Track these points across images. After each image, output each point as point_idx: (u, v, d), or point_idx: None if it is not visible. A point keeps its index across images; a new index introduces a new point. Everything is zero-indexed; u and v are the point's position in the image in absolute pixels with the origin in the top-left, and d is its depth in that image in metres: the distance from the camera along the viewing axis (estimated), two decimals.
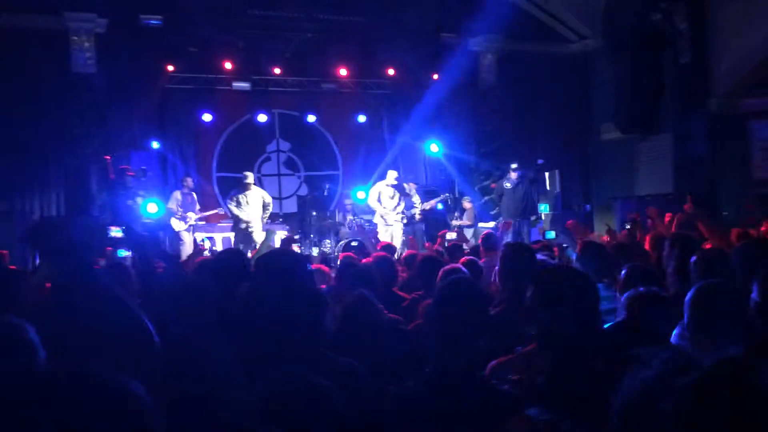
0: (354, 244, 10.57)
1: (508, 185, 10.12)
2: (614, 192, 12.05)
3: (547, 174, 12.11)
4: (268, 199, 10.32)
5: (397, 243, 9.75)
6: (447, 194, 11.87)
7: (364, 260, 5.09)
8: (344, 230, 11.57)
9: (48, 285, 3.72)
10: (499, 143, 12.48)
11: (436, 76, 12.28)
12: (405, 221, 10.43)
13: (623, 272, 3.38)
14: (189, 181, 10.60)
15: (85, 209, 9.65)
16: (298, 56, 11.72)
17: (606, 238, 6.73)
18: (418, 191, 11.14)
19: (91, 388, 0.96)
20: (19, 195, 9.86)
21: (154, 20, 10.33)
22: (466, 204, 12.11)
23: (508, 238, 9.41)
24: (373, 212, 10.91)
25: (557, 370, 1.85)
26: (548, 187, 12.38)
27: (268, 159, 13.03)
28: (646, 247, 4.99)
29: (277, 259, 2.77)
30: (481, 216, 12.02)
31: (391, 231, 10.34)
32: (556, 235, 7.49)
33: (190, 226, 10.31)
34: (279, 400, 1.62)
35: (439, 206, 11.46)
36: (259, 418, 1.51)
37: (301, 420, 1.61)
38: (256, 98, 12.20)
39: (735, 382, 0.93)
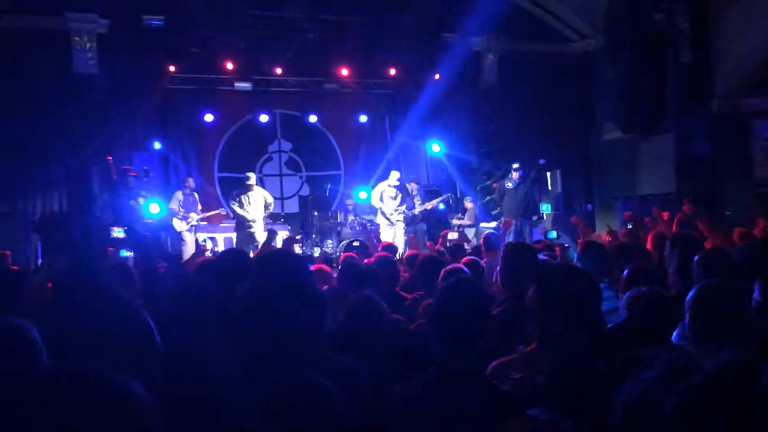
0: (356, 244, 10.58)
1: (509, 185, 10.12)
2: (616, 192, 12.04)
3: (548, 174, 12.10)
4: (270, 200, 10.33)
5: (399, 243, 9.75)
6: (449, 194, 11.86)
7: (365, 260, 5.09)
8: (346, 230, 11.57)
9: (49, 285, 3.73)
10: (500, 143, 12.48)
11: (437, 76, 12.27)
12: (406, 221, 10.43)
13: (625, 272, 3.38)
14: (191, 182, 10.61)
15: (87, 210, 9.66)
16: (300, 56, 11.72)
17: (607, 238, 6.72)
18: (419, 191, 11.14)
19: (91, 388, 0.97)
20: (21, 196, 9.88)
21: (156, 20, 10.34)
22: (468, 204, 12.11)
23: (510, 237, 9.41)
24: (375, 212, 10.91)
25: (558, 369, 1.85)
26: (550, 187, 12.37)
27: (269, 159, 13.03)
28: (648, 246, 4.98)
29: (277, 259, 2.77)
30: (481, 216, 12.02)
31: (393, 231, 10.34)
32: (558, 235, 7.49)
33: (191, 226, 10.32)
34: (279, 400, 1.62)
35: (441, 206, 11.46)
36: (259, 418, 1.51)
37: (301, 420, 1.61)
38: (258, 98, 12.20)
39: (737, 385, 0.92)
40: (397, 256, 7.06)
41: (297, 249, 8.37)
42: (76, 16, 9.99)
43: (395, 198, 10.35)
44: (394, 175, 10.41)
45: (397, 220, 10.39)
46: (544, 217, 11.74)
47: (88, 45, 10.05)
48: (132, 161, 10.86)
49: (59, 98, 9.84)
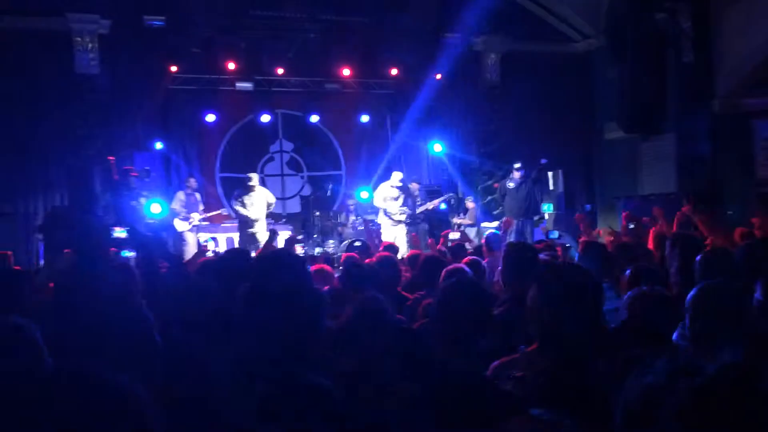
0: (357, 244, 10.58)
1: (511, 185, 10.11)
2: (617, 191, 12.04)
3: (550, 174, 12.09)
4: (272, 200, 10.33)
5: (401, 243, 9.74)
6: (450, 194, 11.86)
7: (366, 260, 5.09)
8: (347, 230, 11.57)
9: (51, 285, 3.74)
10: (501, 143, 12.47)
11: (439, 76, 12.26)
12: (408, 221, 10.43)
13: (628, 272, 3.38)
14: (192, 182, 10.61)
15: (89, 210, 9.68)
16: (301, 56, 11.72)
17: (609, 237, 6.72)
18: (421, 191, 11.13)
19: (92, 388, 0.97)
20: (23, 196, 9.90)
21: (157, 21, 10.35)
22: (469, 204, 12.11)
23: (511, 237, 9.41)
24: (376, 212, 10.91)
25: (559, 369, 1.85)
26: (551, 187, 12.36)
27: (271, 159, 13.04)
28: (650, 246, 4.98)
29: (275, 260, 2.77)
30: (482, 216, 12.02)
31: (395, 231, 10.33)
32: (559, 235, 7.48)
33: (193, 226, 10.32)
34: (279, 400, 1.62)
35: (443, 206, 11.45)
36: (259, 417, 1.52)
37: (300, 420, 1.61)
38: (259, 98, 12.20)
39: (738, 386, 0.92)
40: (399, 256, 7.05)
41: (298, 249, 8.38)
42: (78, 17, 10.00)
43: (397, 199, 10.34)
44: (396, 176, 10.40)
45: (400, 221, 10.38)
46: (546, 217, 11.74)
47: (89, 45, 10.06)
48: (133, 161, 10.87)
49: (61, 99, 9.85)
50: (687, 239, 3.70)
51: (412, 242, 9.64)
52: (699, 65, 10.38)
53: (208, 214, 10.72)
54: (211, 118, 11.92)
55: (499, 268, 3.57)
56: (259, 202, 9.93)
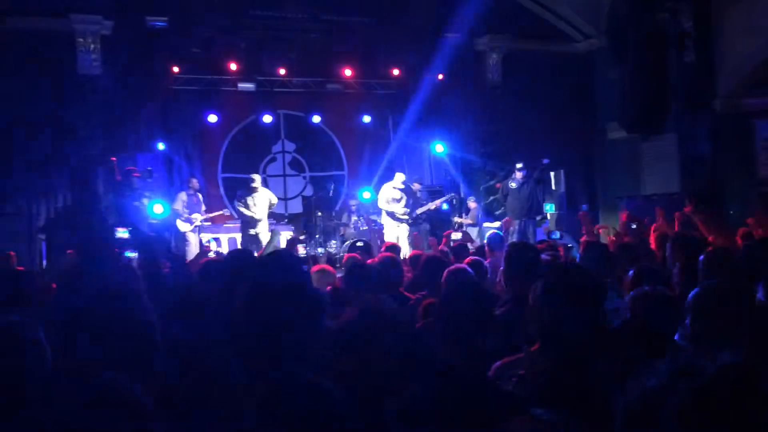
0: (359, 244, 10.58)
1: (513, 185, 10.11)
2: (620, 191, 12.03)
3: (552, 174, 12.09)
4: (275, 200, 10.34)
5: (404, 243, 9.74)
6: (452, 194, 11.86)
7: (368, 261, 5.10)
8: (349, 230, 11.58)
9: (54, 285, 3.75)
10: (504, 143, 12.47)
11: (441, 76, 12.27)
12: (410, 221, 10.43)
13: (631, 272, 3.39)
14: (195, 182, 10.63)
15: (93, 210, 9.70)
16: (303, 57, 11.73)
17: (612, 237, 6.73)
18: (423, 191, 11.13)
19: (92, 388, 0.98)
20: (26, 197, 9.92)
21: (159, 22, 10.37)
22: (471, 204, 12.11)
23: (513, 237, 9.41)
24: (378, 212, 10.91)
25: (561, 369, 1.85)
26: (553, 187, 12.36)
27: (273, 160, 13.04)
28: (651, 246, 4.98)
29: (274, 260, 2.78)
30: (484, 216, 12.03)
31: (397, 232, 10.34)
32: (561, 235, 7.49)
33: (195, 227, 10.33)
34: (279, 400, 1.63)
35: (445, 206, 11.45)
36: (259, 418, 1.52)
37: (300, 420, 1.61)
38: (261, 99, 12.21)
39: (738, 387, 0.93)
40: (401, 256, 7.06)
41: (301, 249, 8.38)
42: (80, 18, 10.03)
43: (399, 200, 10.32)
44: (399, 178, 10.37)
45: (402, 221, 10.38)
46: (548, 217, 11.73)
47: (92, 46, 10.09)
48: (136, 162, 10.88)
49: (63, 99, 9.88)
50: (689, 240, 3.71)
51: (413, 242, 9.65)
52: (700, 65, 10.38)
53: (210, 215, 10.73)
54: (213, 118, 11.93)
55: (501, 268, 3.57)
56: (261, 202, 9.94)
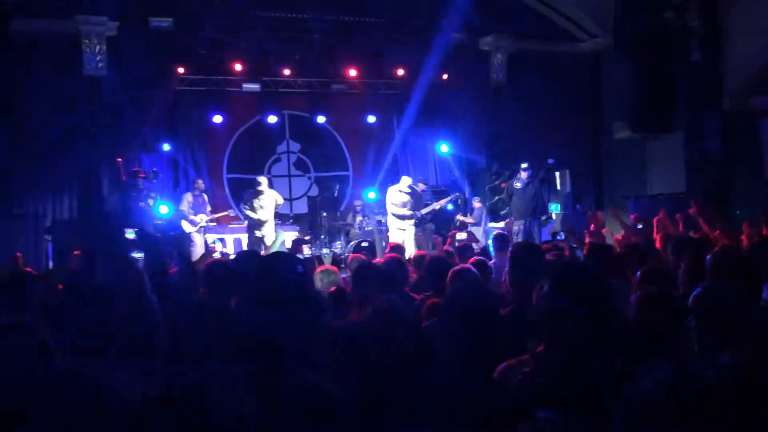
0: (364, 244, 10.59)
1: (518, 185, 10.08)
2: (626, 191, 11.99)
3: (557, 173, 12.06)
4: (281, 200, 10.34)
5: (409, 245, 9.73)
6: (457, 194, 11.85)
7: (374, 261, 5.10)
8: (354, 231, 11.58)
9: (60, 287, 3.76)
10: (509, 142, 12.45)
11: (445, 76, 12.27)
12: (415, 222, 10.42)
13: (638, 273, 3.38)
14: (200, 183, 10.65)
15: (97, 211, 9.73)
16: (308, 57, 11.74)
17: (619, 236, 6.71)
18: (427, 191, 11.12)
19: (87, 386, 0.98)
20: (32, 198, 9.96)
21: (164, 23, 10.40)
22: (476, 204, 12.10)
23: (518, 237, 9.40)
24: (383, 212, 10.91)
25: (565, 370, 1.85)
26: (559, 187, 12.34)
27: (278, 160, 13.07)
28: (657, 245, 4.97)
29: (272, 261, 2.77)
30: (488, 216, 12.02)
31: (403, 233, 10.32)
32: (565, 236, 7.47)
33: (200, 227, 10.36)
34: (279, 400, 1.63)
35: (450, 206, 11.44)
36: (259, 417, 1.52)
37: (302, 421, 1.61)
38: (266, 99, 12.24)
39: (738, 387, 0.92)
40: (405, 256, 7.05)
41: (306, 250, 8.38)
42: (86, 19, 10.07)
43: (406, 204, 10.28)
44: (405, 181, 10.30)
45: (409, 224, 10.35)
46: (553, 217, 11.71)
47: (97, 48, 10.12)
48: (141, 163, 10.92)
49: (69, 101, 9.92)
50: (690, 241, 3.70)
51: (417, 243, 9.64)
52: (707, 64, 10.32)
53: (216, 215, 10.76)
54: (218, 119, 11.97)
55: (506, 268, 3.56)
56: (268, 204, 9.93)
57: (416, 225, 10.16)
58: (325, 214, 11.72)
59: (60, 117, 9.84)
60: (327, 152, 13.15)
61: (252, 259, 3.62)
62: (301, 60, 11.73)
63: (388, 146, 13.02)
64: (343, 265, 9.24)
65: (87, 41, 10.10)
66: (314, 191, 13.03)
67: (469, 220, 11.79)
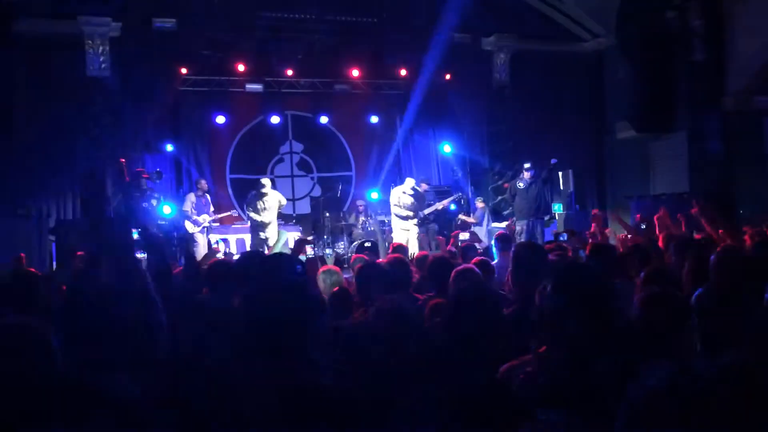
0: (367, 245, 10.59)
1: (521, 185, 10.08)
2: (629, 191, 11.98)
3: (560, 173, 12.06)
4: (284, 201, 10.33)
5: (413, 245, 9.72)
6: (460, 194, 11.84)
7: (377, 261, 5.10)
8: (357, 231, 11.59)
9: (64, 287, 3.77)
10: (511, 142, 12.45)
11: (448, 76, 12.27)
12: (419, 222, 10.41)
13: (642, 274, 3.38)
14: (203, 184, 10.65)
15: (101, 212, 9.75)
16: (311, 58, 11.75)
17: (622, 236, 6.70)
18: (430, 191, 11.11)
19: (88, 385, 0.98)
20: (35, 198, 9.98)
21: (167, 23, 10.42)
22: (479, 204, 12.10)
23: (521, 237, 9.39)
24: (386, 212, 10.90)
25: (567, 370, 1.85)
26: (562, 187, 12.33)
27: (281, 160, 13.07)
28: (660, 245, 4.97)
29: (272, 262, 2.79)
30: (491, 216, 12.01)
31: (406, 233, 10.32)
32: (568, 236, 7.46)
33: (203, 228, 10.37)
34: (280, 399, 1.63)
35: (453, 206, 11.44)
36: (260, 416, 1.53)
37: (304, 421, 1.62)
38: (269, 100, 12.25)
39: (739, 387, 0.92)
40: (409, 256, 7.05)
41: (309, 250, 8.38)
42: (89, 20, 10.09)
43: (410, 206, 10.26)
44: (409, 183, 10.28)
45: (413, 225, 10.35)
46: (556, 217, 11.70)
47: (100, 48, 10.15)
48: (144, 163, 10.94)
49: (72, 101, 9.94)
50: (691, 242, 3.69)
51: (420, 243, 9.64)
52: (709, 63, 10.31)
53: (219, 216, 10.76)
54: (221, 119, 11.98)
55: (509, 268, 3.56)
56: (271, 206, 9.91)
57: (419, 225, 10.17)
58: (328, 214, 11.73)
59: (63, 118, 9.85)
60: (330, 152, 13.15)
61: (253, 259, 3.62)
62: (303, 60, 11.73)
63: (391, 146, 13.02)
64: (346, 266, 9.26)
65: (90, 42, 10.13)
66: (317, 191, 13.03)
67: (470, 219, 11.79)
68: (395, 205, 9.99)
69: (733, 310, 2.12)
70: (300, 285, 2.17)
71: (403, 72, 12.37)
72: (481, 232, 11.51)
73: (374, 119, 12.90)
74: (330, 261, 10.23)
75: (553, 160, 10.27)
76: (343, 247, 11.39)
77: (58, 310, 2.93)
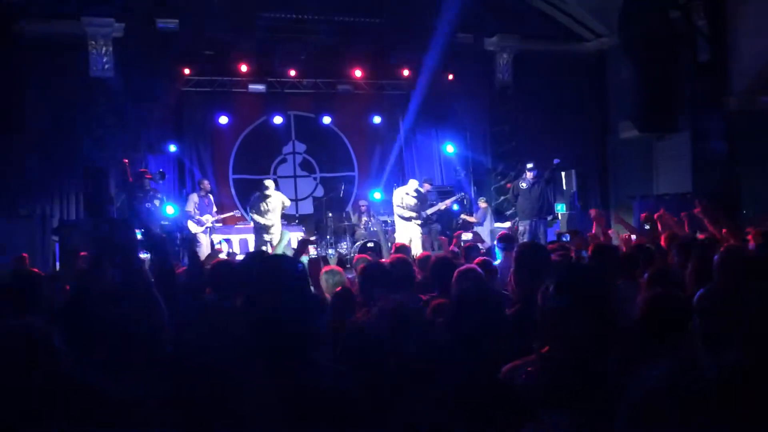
0: (370, 245, 10.59)
1: (523, 185, 10.08)
2: (632, 191, 11.96)
3: (563, 174, 12.05)
4: (288, 202, 10.33)
5: (415, 245, 9.72)
6: (463, 194, 11.84)
7: (380, 261, 5.10)
8: (360, 231, 11.59)
9: (67, 288, 3.78)
10: (514, 143, 12.44)
11: (451, 77, 12.27)
12: (421, 222, 10.41)
13: (646, 275, 3.37)
14: (206, 184, 10.67)
15: (104, 212, 9.76)
16: (313, 58, 11.76)
17: (625, 236, 6.69)
18: (433, 191, 11.12)
19: (90, 385, 0.99)
20: (38, 198, 10.01)
21: (170, 24, 10.44)
22: (482, 204, 12.10)
23: (524, 237, 9.39)
24: (389, 212, 10.90)
25: (569, 370, 1.85)
26: (564, 187, 12.31)
27: (284, 161, 13.08)
28: (662, 244, 4.96)
29: (271, 263, 2.78)
30: (493, 216, 12.01)
31: (409, 233, 10.32)
32: (571, 237, 7.46)
33: (206, 228, 10.39)
34: (281, 399, 1.64)
35: (455, 206, 11.44)
36: (262, 416, 1.53)
37: (306, 421, 1.62)
38: (272, 100, 12.26)
39: (740, 387, 0.92)
40: (411, 256, 7.05)
41: (311, 250, 8.39)
42: (92, 21, 10.11)
43: (413, 207, 10.27)
44: (413, 184, 10.27)
45: (417, 225, 10.35)
46: (559, 217, 11.69)
47: (103, 49, 10.18)
48: (147, 164, 10.96)
49: (76, 102, 9.96)
50: (692, 242, 3.69)
51: (424, 243, 9.64)
52: (713, 63, 10.29)
53: (221, 216, 10.78)
54: (223, 120, 12.00)
55: (512, 268, 3.56)
56: (275, 207, 9.91)
57: (422, 225, 10.17)
58: (330, 214, 11.73)
59: (66, 118, 9.88)
60: (332, 153, 13.16)
61: (254, 259, 3.62)
62: (306, 60, 11.74)
63: (394, 146, 13.03)
64: (348, 266, 9.26)
65: (93, 43, 10.16)
66: (320, 192, 13.04)
67: (471, 219, 11.79)
68: (398, 206, 9.98)
69: (735, 310, 2.12)
70: (300, 286, 2.17)
71: (406, 72, 12.38)
72: (483, 232, 11.51)
73: (377, 119, 12.90)
74: (333, 261, 10.23)
75: (555, 160, 10.27)
76: (345, 247, 11.39)
77: (61, 310, 2.93)
